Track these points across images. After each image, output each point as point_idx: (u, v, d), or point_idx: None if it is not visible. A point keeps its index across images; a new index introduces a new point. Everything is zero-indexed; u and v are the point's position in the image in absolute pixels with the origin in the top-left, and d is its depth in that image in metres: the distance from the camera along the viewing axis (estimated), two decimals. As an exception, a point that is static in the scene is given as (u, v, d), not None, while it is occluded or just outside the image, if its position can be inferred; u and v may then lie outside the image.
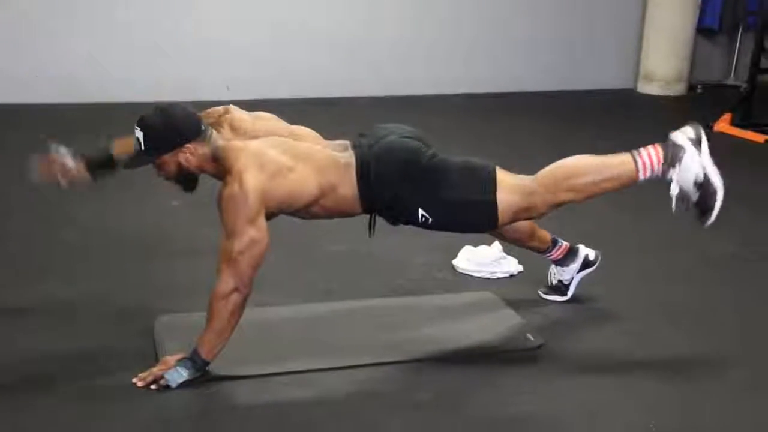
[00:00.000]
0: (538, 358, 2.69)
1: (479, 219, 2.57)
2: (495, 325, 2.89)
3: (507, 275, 3.30)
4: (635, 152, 2.52)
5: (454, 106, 6.83)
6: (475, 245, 3.37)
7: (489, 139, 5.64)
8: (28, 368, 2.55)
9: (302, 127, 2.68)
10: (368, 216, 2.67)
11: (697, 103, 7.48)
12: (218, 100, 6.67)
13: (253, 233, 2.36)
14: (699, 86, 7.85)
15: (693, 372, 2.65)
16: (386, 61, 7.06)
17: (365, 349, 2.68)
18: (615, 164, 2.53)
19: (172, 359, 2.46)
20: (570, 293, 3.08)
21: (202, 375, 2.45)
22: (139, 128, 2.44)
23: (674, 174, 2.48)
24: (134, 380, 2.42)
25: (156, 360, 2.54)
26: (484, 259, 3.30)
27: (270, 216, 2.48)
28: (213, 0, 6.60)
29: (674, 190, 2.51)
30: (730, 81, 8.14)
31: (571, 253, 3.04)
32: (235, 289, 2.38)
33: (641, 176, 2.51)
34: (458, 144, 2.72)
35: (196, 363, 2.43)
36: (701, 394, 2.52)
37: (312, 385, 2.49)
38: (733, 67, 8.20)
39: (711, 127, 6.12)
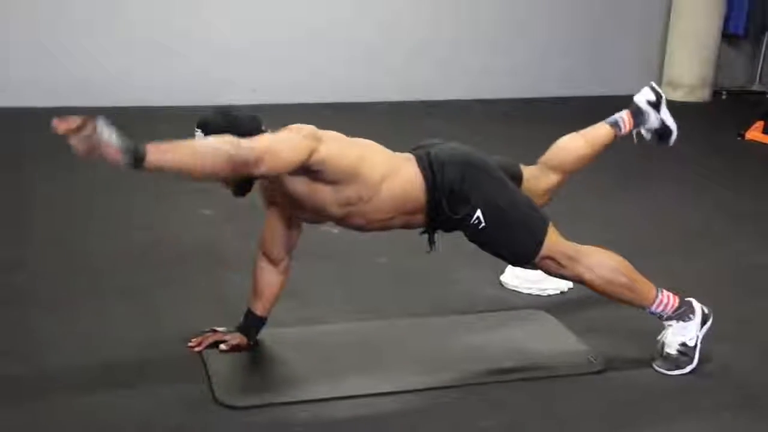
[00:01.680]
0: (602, 382, 2.60)
1: (524, 243, 2.55)
2: (553, 345, 2.80)
3: (557, 292, 3.21)
4: (661, 290, 2.66)
5: (473, 112, 6.75)
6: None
7: (509, 145, 5.49)
8: (74, 384, 2.47)
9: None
10: (423, 230, 2.61)
11: (722, 109, 7.40)
12: (244, 104, 6.66)
13: (309, 138, 2.28)
14: (724, 92, 7.77)
15: (750, 390, 2.57)
16: (405, 66, 6.98)
17: (422, 371, 2.60)
18: (643, 288, 2.64)
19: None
20: None
21: (256, 397, 2.36)
22: (199, 130, 2.32)
23: (673, 324, 2.66)
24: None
25: (207, 377, 2.47)
26: (534, 276, 3.20)
27: (344, 212, 2.41)
28: (236, 4, 6.52)
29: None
30: (755, 87, 8.06)
31: None
32: (234, 154, 2.13)
33: (652, 307, 2.64)
34: (479, 149, 2.66)
35: (134, 148, 2.03)
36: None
37: (370, 409, 2.40)
38: (758, 73, 8.11)
39: (743, 135, 6.04)
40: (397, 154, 2.54)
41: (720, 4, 7.41)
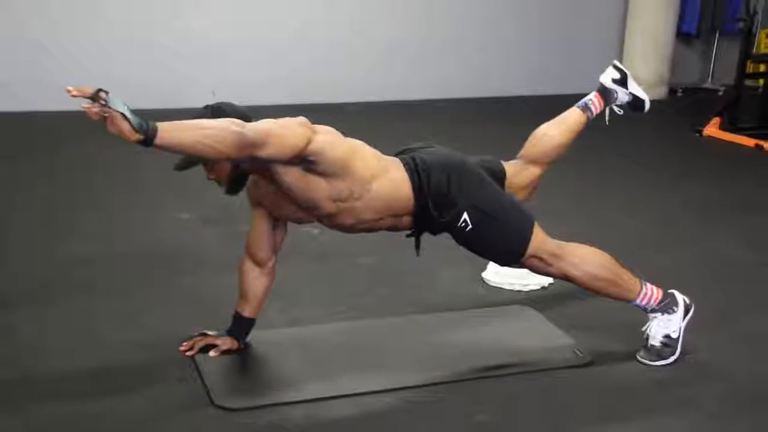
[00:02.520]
0: (590, 374, 2.65)
1: (511, 244, 2.58)
2: (540, 340, 2.85)
3: (538, 287, 3.26)
4: (645, 282, 2.73)
5: (441, 111, 6.82)
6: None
7: (478, 142, 5.57)
8: (65, 388, 2.44)
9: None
10: (410, 232, 2.64)
11: (678, 106, 7.57)
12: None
13: (305, 126, 2.28)
14: (679, 90, 7.95)
15: (747, 386, 2.64)
16: (375, 66, 7.02)
17: (415, 368, 2.62)
18: (628, 282, 2.70)
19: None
20: None
21: (258, 398, 2.39)
22: None
23: (657, 316, 2.72)
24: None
25: (201, 379, 2.48)
26: (515, 272, 3.25)
27: (331, 210, 2.41)
28: (202, 2, 6.48)
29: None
30: (708, 85, 8.27)
31: None
32: (241, 132, 2.15)
33: (637, 300, 2.71)
34: (460, 150, 2.70)
35: (146, 125, 2.04)
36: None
37: (366, 407, 2.42)
38: (710, 72, 8.32)
39: (701, 132, 6.20)
40: (385, 156, 2.56)
41: (675, 5, 7.59)
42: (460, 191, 2.50)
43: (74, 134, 5.30)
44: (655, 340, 2.71)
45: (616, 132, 6.44)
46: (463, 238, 2.58)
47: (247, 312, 2.67)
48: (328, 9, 6.84)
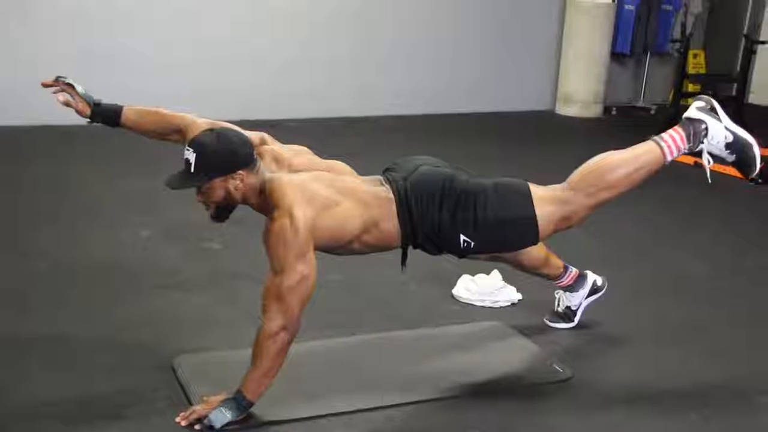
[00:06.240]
0: (569, 389, 2.70)
1: (521, 236, 2.56)
2: (517, 355, 2.90)
3: (508, 304, 3.31)
4: (657, 138, 2.59)
5: (384, 128, 6.87)
6: (473, 274, 3.37)
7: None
8: (54, 418, 2.36)
9: (338, 162, 2.61)
10: (400, 249, 2.62)
11: (614, 124, 7.79)
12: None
13: (303, 268, 2.29)
14: (614, 108, 8.19)
15: (720, 394, 2.73)
16: (315, 84, 7.02)
17: (401, 385, 2.63)
18: (642, 153, 2.58)
19: (215, 399, 2.37)
20: (577, 320, 3.12)
21: (244, 418, 2.36)
22: (191, 149, 2.31)
23: (704, 146, 2.57)
24: (177, 419, 2.34)
25: (189, 402, 2.45)
26: (485, 289, 3.30)
27: None
28: (142, 17, 6.38)
29: (707, 161, 2.60)
30: (640, 103, 8.54)
31: (580, 279, 3.09)
32: (284, 328, 2.29)
33: (669, 158, 2.57)
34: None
35: (241, 404, 2.34)
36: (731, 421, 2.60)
37: (357, 425, 2.42)
38: (642, 91, 8.59)
39: (640, 149, 6.38)
40: (378, 190, 2.49)
41: (609, 25, 7.82)
42: (453, 224, 2.47)
43: (30, 151, 5.16)
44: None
45: (546, 146, 6.61)
46: (472, 252, 2.56)
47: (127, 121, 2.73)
48: (273, 26, 6.82)
